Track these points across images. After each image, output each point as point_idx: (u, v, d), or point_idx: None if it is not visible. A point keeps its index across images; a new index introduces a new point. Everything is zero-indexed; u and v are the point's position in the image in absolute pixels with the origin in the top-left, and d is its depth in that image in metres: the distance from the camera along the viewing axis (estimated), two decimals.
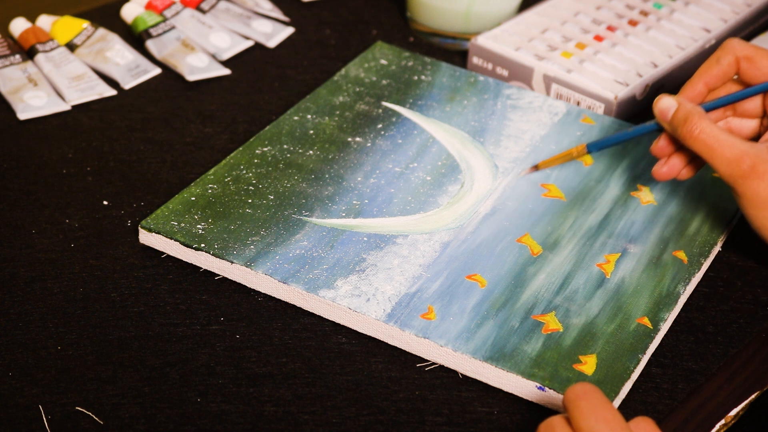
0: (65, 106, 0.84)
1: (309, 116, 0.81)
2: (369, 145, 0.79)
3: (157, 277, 0.69)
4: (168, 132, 0.82)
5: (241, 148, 0.77)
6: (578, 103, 0.85)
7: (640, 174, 0.77)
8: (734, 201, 0.70)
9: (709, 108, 0.71)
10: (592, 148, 0.75)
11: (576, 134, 0.81)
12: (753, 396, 0.66)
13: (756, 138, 0.73)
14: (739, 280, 0.72)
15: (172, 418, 0.61)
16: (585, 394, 0.55)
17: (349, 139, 0.79)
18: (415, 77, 0.86)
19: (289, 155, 0.77)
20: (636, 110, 0.87)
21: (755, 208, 0.67)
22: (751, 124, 0.74)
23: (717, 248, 0.73)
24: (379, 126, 0.81)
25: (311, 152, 0.78)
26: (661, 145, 0.72)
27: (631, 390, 0.64)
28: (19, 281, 0.69)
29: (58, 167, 0.78)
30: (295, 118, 0.81)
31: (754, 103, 0.73)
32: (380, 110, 0.82)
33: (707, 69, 0.72)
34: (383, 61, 0.87)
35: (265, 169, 0.75)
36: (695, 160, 0.72)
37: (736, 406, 0.65)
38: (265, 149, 0.77)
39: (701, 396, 0.65)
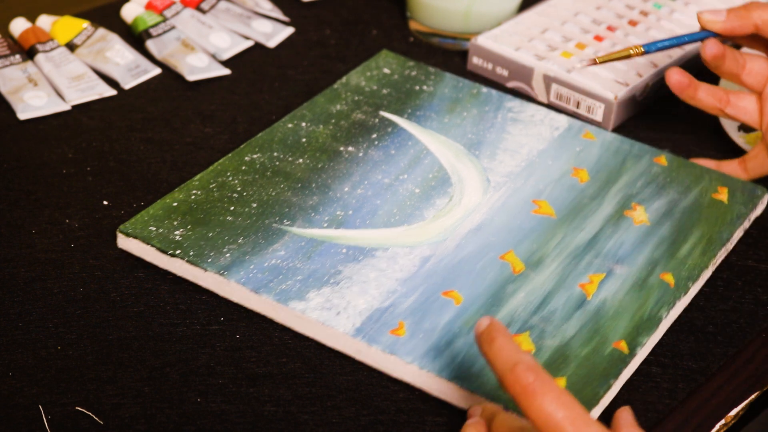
0: (65, 106, 0.84)
1: (303, 124, 0.79)
2: (361, 155, 0.77)
3: (157, 277, 0.69)
4: (168, 132, 0.82)
5: (230, 155, 0.76)
6: (578, 104, 0.85)
7: (637, 192, 0.75)
8: (731, 225, 0.72)
9: (653, 49, 0.77)
10: (648, 48, 0.77)
11: (575, 150, 0.79)
12: (753, 396, 0.66)
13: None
14: (739, 280, 0.72)
15: (172, 418, 0.61)
16: (540, 390, 0.52)
17: (342, 149, 0.77)
18: (417, 87, 0.84)
19: (278, 163, 0.76)
20: (636, 110, 0.87)
21: None
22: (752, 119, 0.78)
23: (708, 272, 0.71)
24: (374, 136, 0.79)
25: (301, 161, 0.76)
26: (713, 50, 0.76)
27: (631, 390, 0.64)
28: (19, 281, 0.69)
29: (58, 167, 0.78)
30: (290, 125, 0.79)
31: (750, 101, 0.77)
32: (377, 120, 0.81)
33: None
34: (386, 70, 0.86)
35: (251, 177, 0.74)
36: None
37: (736, 406, 0.65)
38: (255, 156, 0.76)
39: (701, 396, 0.65)
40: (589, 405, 0.60)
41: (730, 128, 0.84)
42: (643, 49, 0.76)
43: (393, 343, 0.63)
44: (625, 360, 0.63)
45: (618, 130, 0.85)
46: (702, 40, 0.76)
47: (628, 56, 0.76)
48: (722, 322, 0.69)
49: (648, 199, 0.75)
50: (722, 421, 0.64)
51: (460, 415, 0.62)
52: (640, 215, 0.73)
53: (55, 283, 0.69)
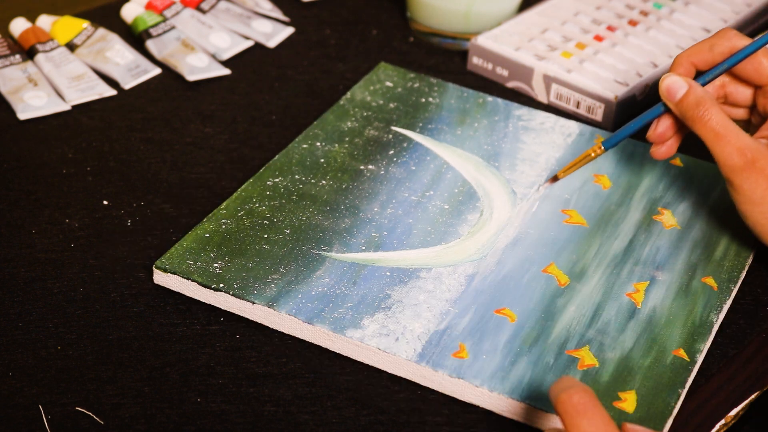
0: (65, 106, 0.84)
1: (318, 144, 0.78)
2: (382, 172, 0.76)
3: None
4: (168, 132, 0.82)
5: (251, 180, 0.75)
6: (578, 104, 0.85)
7: (660, 196, 0.76)
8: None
9: (705, 81, 0.71)
10: (608, 144, 0.73)
11: (591, 156, 0.78)
12: (753, 396, 0.66)
13: (744, 128, 0.74)
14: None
15: (172, 418, 0.61)
16: (585, 410, 0.54)
17: (362, 167, 0.76)
18: (422, 99, 0.84)
19: (301, 186, 0.74)
20: (636, 110, 0.87)
21: (750, 203, 0.67)
22: (740, 113, 0.74)
23: (744, 273, 0.71)
24: (391, 152, 0.78)
25: (324, 182, 0.75)
26: (659, 131, 0.71)
27: None
28: (19, 281, 0.69)
29: (58, 167, 0.78)
30: (304, 146, 0.78)
31: (744, 94, 0.73)
32: (390, 135, 0.80)
33: (697, 52, 0.71)
34: (389, 83, 0.85)
35: (278, 202, 0.73)
36: (681, 130, 0.72)
37: (736, 406, 0.65)
38: (276, 180, 0.75)
39: (701, 396, 0.65)
40: (663, 416, 0.61)
41: None
42: (603, 147, 0.72)
43: (458, 367, 0.62)
44: (688, 368, 0.64)
45: None
46: (660, 115, 0.72)
47: (589, 158, 0.73)
48: (722, 322, 0.69)
49: (673, 202, 0.75)
50: (722, 421, 0.64)
51: (461, 415, 0.62)
52: (668, 219, 0.74)
53: (55, 283, 0.69)
